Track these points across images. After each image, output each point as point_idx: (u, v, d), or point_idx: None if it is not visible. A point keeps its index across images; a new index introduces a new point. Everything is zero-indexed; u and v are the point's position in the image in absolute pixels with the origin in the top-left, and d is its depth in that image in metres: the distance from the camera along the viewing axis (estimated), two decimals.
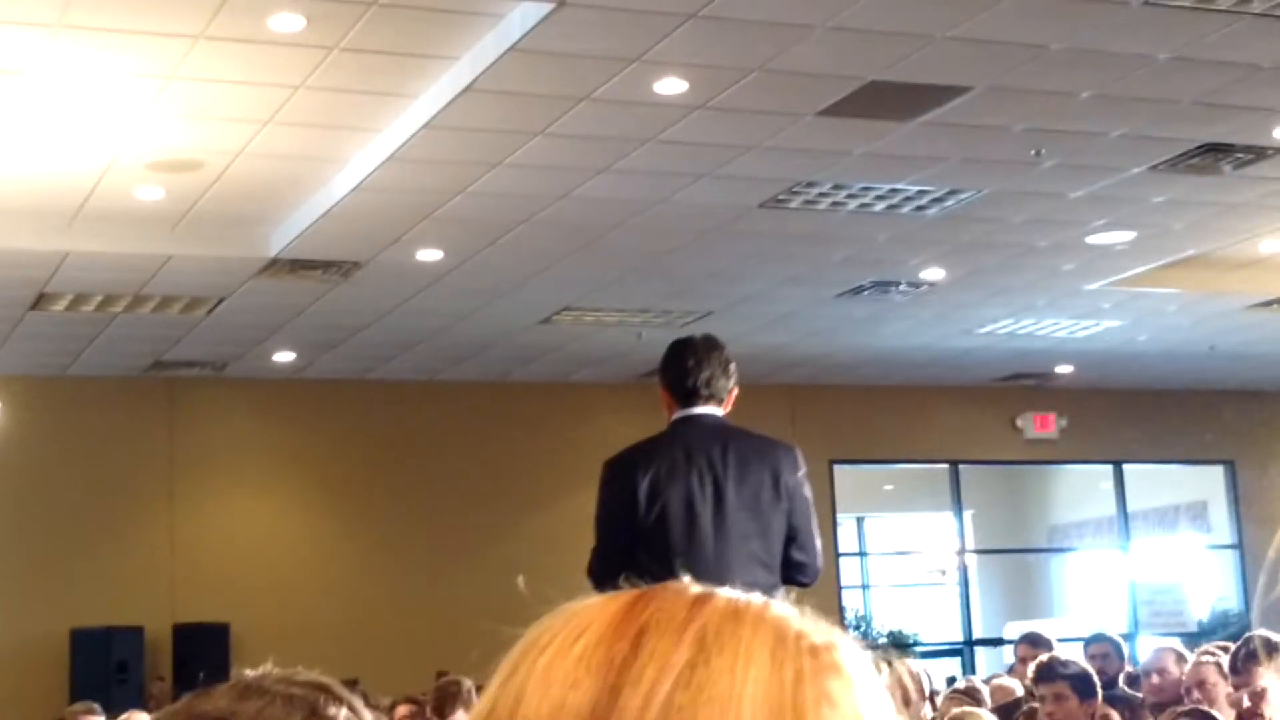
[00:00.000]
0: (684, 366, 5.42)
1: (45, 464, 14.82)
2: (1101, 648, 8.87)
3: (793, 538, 5.35)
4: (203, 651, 14.53)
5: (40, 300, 12.38)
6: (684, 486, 5.29)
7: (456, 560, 15.13)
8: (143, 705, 12.84)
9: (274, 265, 11.68)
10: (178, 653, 14.66)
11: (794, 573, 5.37)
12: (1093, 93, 9.00)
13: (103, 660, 14.38)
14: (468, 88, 8.42)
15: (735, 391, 5.50)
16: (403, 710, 9.79)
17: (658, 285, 12.89)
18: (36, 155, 9.50)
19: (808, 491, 5.43)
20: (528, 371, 15.72)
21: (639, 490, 5.28)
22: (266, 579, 15.34)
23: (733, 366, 5.50)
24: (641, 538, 5.29)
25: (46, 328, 13.22)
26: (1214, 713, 6.66)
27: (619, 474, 5.39)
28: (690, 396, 5.41)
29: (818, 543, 5.44)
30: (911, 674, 8.99)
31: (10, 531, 14.71)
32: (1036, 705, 7.26)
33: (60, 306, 12.59)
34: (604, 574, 5.24)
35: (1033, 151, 9.93)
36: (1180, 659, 8.76)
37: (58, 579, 14.71)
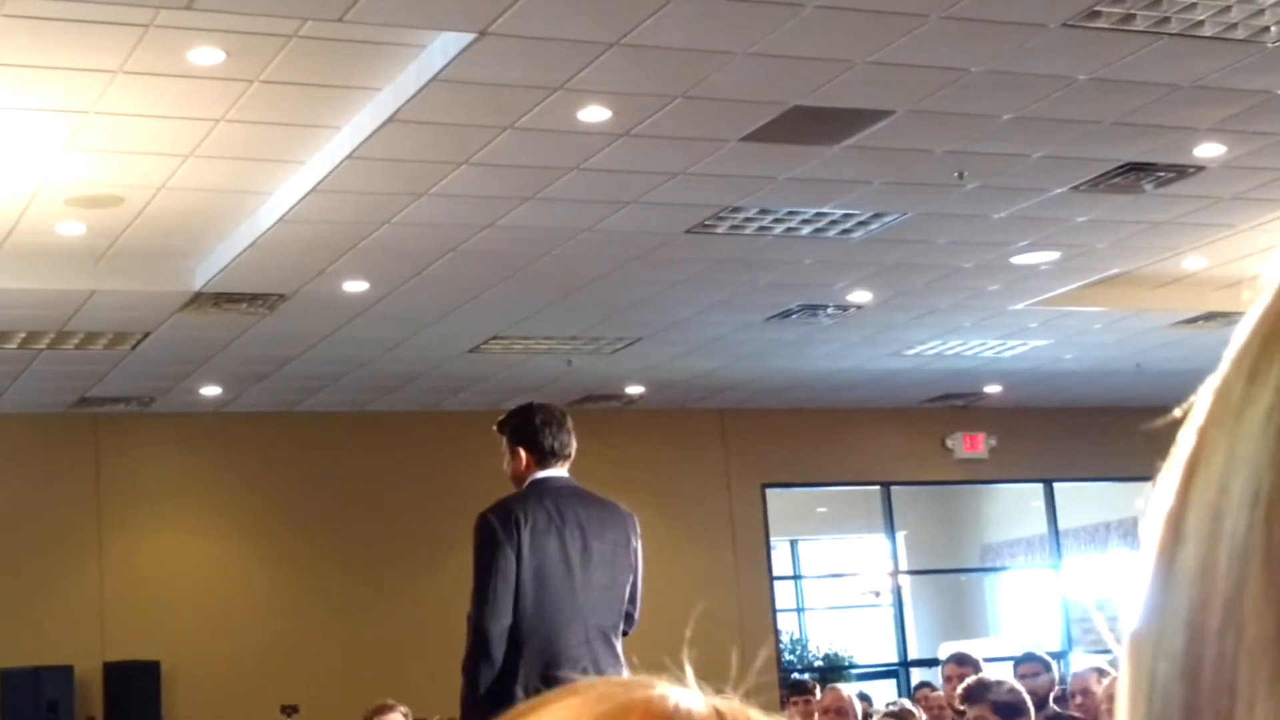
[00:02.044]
0: (542, 428, 5.83)
1: None
2: (1032, 667, 8.90)
3: (631, 596, 5.87)
4: (134, 690, 14.40)
5: None
6: (559, 542, 5.68)
7: (389, 592, 15.05)
8: None
9: (199, 299, 11.59)
10: (109, 691, 14.50)
11: (625, 624, 5.89)
12: (1014, 114, 9.05)
13: (32, 700, 14.20)
14: (390, 118, 8.40)
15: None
16: None
17: (586, 312, 12.88)
18: None
19: (640, 556, 5.94)
20: (458, 401, 15.67)
21: (522, 542, 5.63)
22: (197, 615, 15.20)
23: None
24: (516, 591, 5.62)
25: None
26: None
27: (502, 528, 5.66)
28: (549, 457, 5.82)
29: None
30: (849, 697, 9.05)
31: None
32: None
33: None
34: (494, 629, 5.54)
35: (955, 174, 9.98)
36: (1104, 677, 8.82)
37: None
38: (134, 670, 14.72)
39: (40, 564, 14.89)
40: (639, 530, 5.98)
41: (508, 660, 5.62)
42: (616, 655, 5.74)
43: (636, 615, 5.95)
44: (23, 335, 12.32)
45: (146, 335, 12.53)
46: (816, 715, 9.59)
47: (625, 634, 5.89)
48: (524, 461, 5.85)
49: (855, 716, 8.99)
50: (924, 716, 9.29)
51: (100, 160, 9.06)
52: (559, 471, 5.85)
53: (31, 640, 14.48)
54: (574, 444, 5.91)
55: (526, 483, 5.84)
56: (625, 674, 5.58)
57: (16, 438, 14.93)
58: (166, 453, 15.59)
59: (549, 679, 5.42)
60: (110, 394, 14.57)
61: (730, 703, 0.97)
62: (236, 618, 15.30)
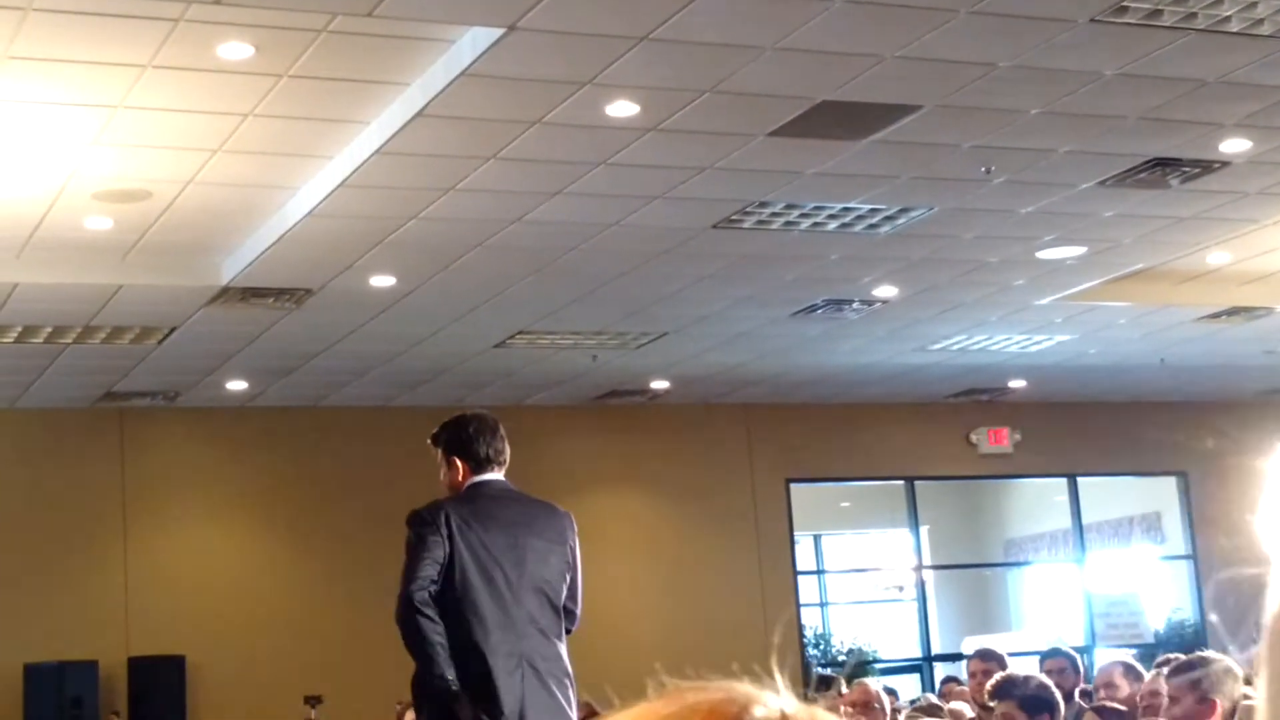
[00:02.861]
0: (476, 437, 6.04)
1: None
2: (1058, 662, 8.88)
3: (570, 593, 6.08)
4: (159, 685, 14.44)
5: None
6: (487, 538, 5.90)
7: None
8: None
9: (225, 294, 11.62)
10: (133, 686, 14.54)
11: (567, 621, 6.09)
12: (1041, 109, 9.04)
13: (56, 696, 14.23)
14: (419, 113, 8.41)
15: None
16: None
17: (612, 307, 12.89)
18: None
19: (578, 552, 6.14)
20: (483, 396, 15.68)
21: (451, 533, 5.87)
22: (222, 610, 15.23)
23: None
24: (448, 586, 5.85)
25: None
26: None
27: (430, 519, 5.90)
28: (483, 463, 6.03)
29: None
30: (877, 691, 9.06)
31: None
32: None
33: (9, 338, 12.49)
34: (411, 598, 5.81)
35: (982, 169, 9.97)
36: (1128, 672, 8.79)
37: (10, 614, 14.56)
38: (158, 664, 14.75)
39: (65, 559, 14.93)
40: (576, 529, 6.18)
41: (470, 641, 5.84)
42: (555, 650, 5.98)
43: (578, 612, 6.15)
44: (49, 330, 12.35)
45: (173, 330, 12.56)
46: (843, 709, 9.59)
47: (569, 631, 6.11)
48: (460, 471, 6.07)
49: (884, 711, 8.98)
50: (969, 711, 9.27)
51: (129, 155, 9.08)
52: (494, 475, 6.06)
53: (56, 635, 14.52)
54: (508, 451, 6.12)
55: (464, 489, 6.08)
56: (563, 664, 5.96)
57: (43, 432, 14.98)
58: (192, 447, 15.63)
59: (479, 674, 5.79)
60: (136, 388, 14.60)
61: (810, 708, 1.02)
62: (261, 611, 15.34)
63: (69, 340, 12.68)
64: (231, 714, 14.02)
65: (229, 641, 15.08)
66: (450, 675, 5.84)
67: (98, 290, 11.37)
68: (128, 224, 10.28)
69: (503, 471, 6.10)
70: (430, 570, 5.88)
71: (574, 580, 6.12)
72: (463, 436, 6.09)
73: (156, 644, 14.84)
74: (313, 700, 13.08)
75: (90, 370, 13.77)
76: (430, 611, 5.85)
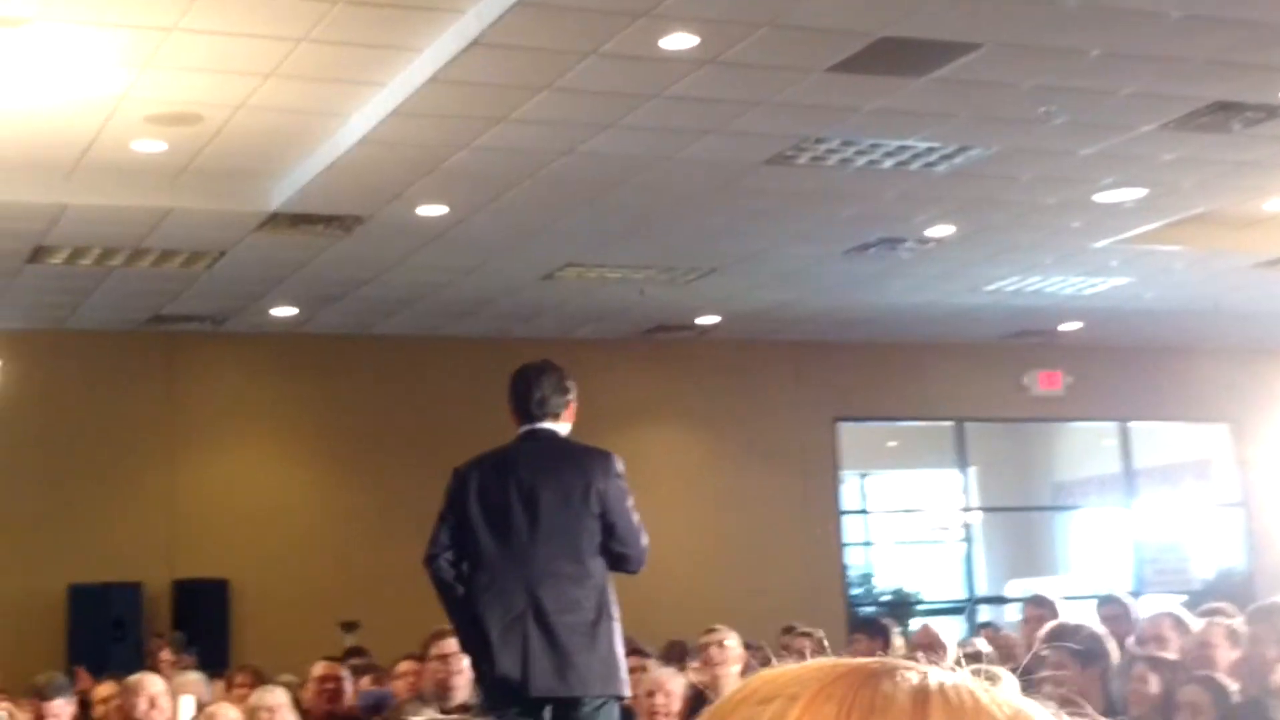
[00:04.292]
0: (520, 391, 6.42)
1: (44, 418, 14.73)
2: (1113, 609, 8.81)
3: (610, 534, 6.26)
4: (202, 608, 14.50)
5: (38, 253, 12.27)
6: (503, 493, 6.26)
7: None
8: (141, 663, 12.80)
9: (275, 219, 11.57)
10: (177, 610, 14.60)
11: (616, 563, 6.31)
12: (1103, 50, 8.88)
13: (101, 617, 14.31)
14: (474, 41, 8.30)
15: (573, 404, 6.48)
16: (404, 667, 9.73)
17: (662, 242, 12.80)
18: (36, 107, 9.38)
19: (619, 492, 6.32)
20: (530, 328, 15.63)
21: (469, 493, 6.29)
22: (265, 534, 15.28)
23: (570, 385, 6.48)
24: (469, 534, 6.27)
25: (44, 281, 13.11)
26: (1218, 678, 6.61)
27: (455, 481, 6.41)
28: (527, 415, 6.40)
29: (642, 537, 6.34)
30: (937, 632, 9.07)
31: (8, 486, 14.62)
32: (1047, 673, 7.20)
33: (58, 259, 12.48)
34: (433, 558, 6.32)
35: (1042, 109, 9.82)
36: (1177, 624, 8.69)
37: (56, 535, 14.63)
38: (202, 588, 14.82)
39: (111, 481, 14.98)
40: (614, 468, 6.35)
41: (478, 601, 6.22)
42: (575, 596, 6.19)
43: (630, 552, 6.30)
44: (98, 252, 12.33)
45: (222, 254, 12.52)
46: (904, 649, 9.57)
47: (630, 572, 6.35)
48: (515, 420, 6.45)
49: (946, 651, 8.94)
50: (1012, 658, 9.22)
51: (181, 78, 9.01)
52: (538, 425, 6.38)
53: (101, 557, 14.58)
54: (561, 398, 6.40)
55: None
56: (586, 609, 6.10)
57: (90, 354, 15.00)
58: (239, 372, 15.64)
59: (482, 635, 6.18)
60: (184, 312, 14.60)
61: (981, 688, 1.02)
62: (303, 537, 15.37)
63: (118, 263, 12.66)
64: (273, 638, 14.05)
65: (271, 567, 15.12)
66: (463, 633, 6.34)
67: (147, 213, 11.34)
68: (179, 147, 10.23)
69: (555, 420, 6.39)
70: (444, 534, 6.32)
71: (613, 522, 6.25)
72: (511, 392, 6.44)
73: (200, 568, 14.90)
74: (349, 625, 13.12)
75: (138, 293, 13.76)
76: (445, 575, 6.29)
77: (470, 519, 6.27)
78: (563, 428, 6.44)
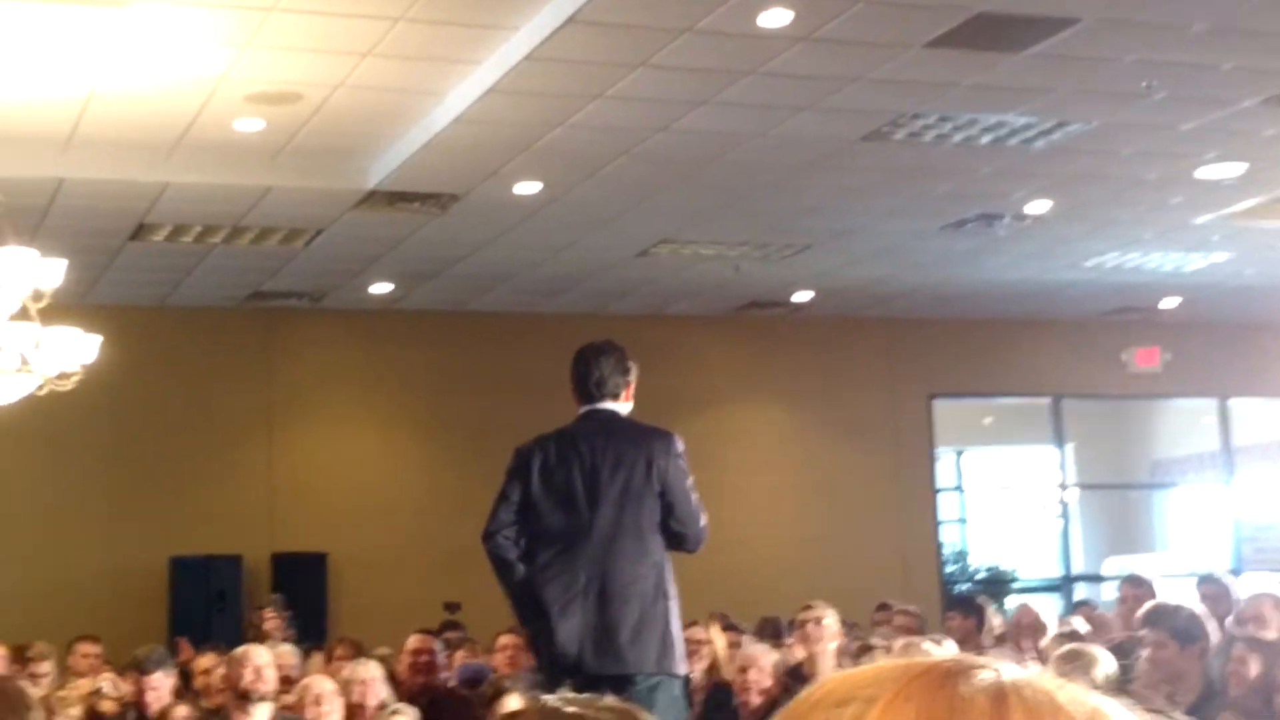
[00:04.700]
0: (580, 371, 6.47)
1: (145, 394, 14.92)
2: (1213, 588, 8.73)
3: (669, 514, 6.29)
4: (301, 580, 14.64)
5: (140, 231, 12.42)
6: (565, 471, 6.31)
7: None
8: (241, 634, 12.96)
9: (372, 197, 11.65)
10: (276, 582, 14.76)
11: (675, 542, 6.36)
12: (1206, 24, 8.76)
13: (202, 589, 14.51)
14: (570, 19, 8.31)
15: (633, 385, 6.52)
16: (505, 640, 9.80)
17: (757, 218, 12.77)
18: (139, 87, 9.49)
19: (679, 472, 6.34)
20: (624, 305, 15.66)
21: (531, 472, 6.34)
22: (363, 508, 15.41)
23: (630, 365, 6.51)
24: (531, 512, 6.33)
25: (146, 258, 13.28)
26: None
27: (517, 459, 6.45)
28: (587, 395, 6.45)
29: (701, 517, 6.37)
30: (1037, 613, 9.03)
31: (111, 461, 14.84)
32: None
33: (160, 237, 12.63)
34: (491, 535, 6.38)
35: (1143, 84, 9.70)
36: (1278, 604, 8.58)
37: (157, 508, 14.84)
38: (301, 561, 14.97)
39: (212, 455, 15.16)
40: (674, 448, 6.38)
41: (538, 578, 6.29)
42: (637, 573, 6.23)
43: (689, 532, 6.35)
44: (199, 229, 12.47)
45: (320, 232, 12.62)
46: (1002, 629, 9.55)
47: (688, 551, 6.40)
48: (576, 400, 6.49)
49: (1047, 632, 8.91)
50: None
51: (281, 57, 9.08)
52: (598, 405, 6.42)
53: (202, 530, 14.77)
54: (621, 378, 6.45)
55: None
56: (646, 586, 6.16)
57: (191, 330, 15.17)
58: (337, 348, 15.77)
59: (542, 612, 6.24)
60: (283, 289, 14.74)
61: (1029, 674, 1.01)
62: (402, 512, 15.49)
63: (218, 240, 12.79)
64: (370, 612, 14.18)
65: (371, 541, 15.25)
66: (520, 609, 6.43)
67: (247, 191, 11.45)
68: (278, 126, 10.32)
69: (615, 400, 6.45)
70: (505, 513, 6.38)
71: (672, 501, 6.30)
72: (571, 373, 6.50)
73: (299, 541, 15.06)
74: (452, 606, 13.18)
75: (238, 270, 13.90)
76: (503, 551, 6.34)
77: (532, 497, 6.34)
78: (623, 407, 6.48)
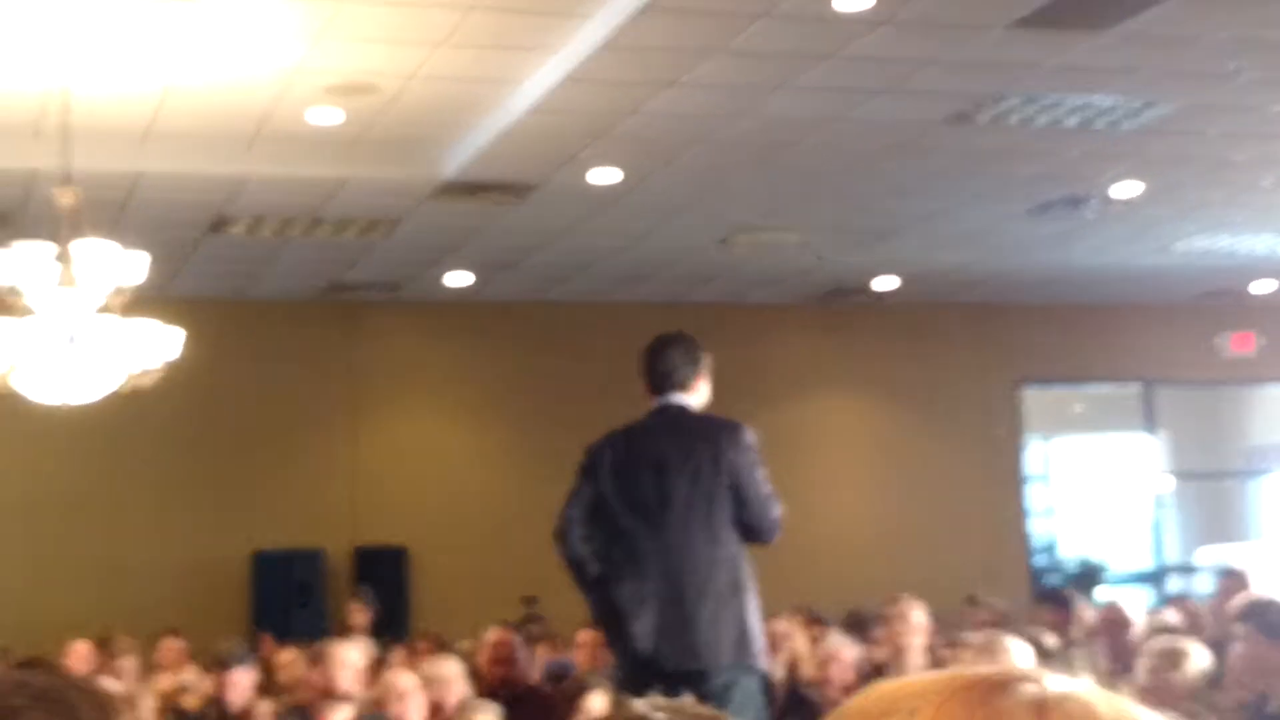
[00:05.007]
0: (649, 364, 6.41)
1: (226, 386, 14.94)
2: None
3: (741, 505, 6.20)
4: (382, 574, 14.62)
5: (219, 223, 12.43)
6: (634, 469, 6.26)
7: None
8: (325, 628, 12.95)
9: (449, 187, 11.59)
10: (358, 576, 14.75)
11: (748, 535, 6.26)
12: None
13: (284, 583, 14.52)
14: (646, 5, 8.19)
15: (704, 376, 6.42)
16: (584, 637, 9.73)
17: (838, 204, 12.62)
18: (215, 80, 9.48)
19: (749, 463, 6.25)
20: (704, 293, 15.54)
21: (601, 469, 6.31)
22: (444, 501, 15.38)
23: (700, 354, 6.44)
24: (602, 510, 6.29)
25: (225, 250, 13.29)
26: None
27: (587, 457, 6.43)
28: (656, 388, 6.38)
29: (774, 507, 6.28)
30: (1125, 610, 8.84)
31: (193, 454, 14.87)
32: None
33: (238, 229, 12.64)
34: (563, 534, 6.34)
35: (1230, 66, 9.48)
36: None
37: (240, 501, 14.86)
38: (382, 555, 14.96)
39: (293, 448, 15.17)
40: (743, 438, 6.28)
41: (611, 576, 6.26)
42: (710, 567, 6.16)
43: (759, 523, 6.25)
44: (277, 222, 12.45)
45: (397, 223, 12.58)
46: (1084, 625, 9.37)
47: (763, 543, 6.30)
48: (648, 394, 6.43)
49: (1132, 628, 8.72)
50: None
51: (355, 48, 9.03)
52: (668, 399, 6.35)
53: (285, 523, 14.79)
54: (691, 369, 6.37)
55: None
56: (721, 577, 6.10)
57: (271, 323, 15.18)
58: (417, 339, 15.74)
59: (615, 608, 6.22)
60: (361, 280, 14.72)
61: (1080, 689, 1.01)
62: (482, 505, 15.44)
63: (296, 232, 12.78)
64: (451, 606, 14.13)
65: (451, 534, 15.22)
66: (596, 607, 6.40)
67: (324, 183, 11.42)
68: (354, 117, 10.28)
69: (684, 392, 6.37)
70: (575, 510, 6.34)
71: (744, 494, 6.21)
72: (642, 364, 6.45)
73: (380, 534, 15.04)
74: (530, 600, 13.12)
75: (316, 262, 13.89)
76: (576, 550, 6.30)
77: (603, 494, 6.31)
78: (694, 399, 6.41)
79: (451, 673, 8.00)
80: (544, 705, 8.05)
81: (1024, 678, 1.02)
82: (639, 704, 1.80)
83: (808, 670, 8.32)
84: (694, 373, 6.39)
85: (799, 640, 8.79)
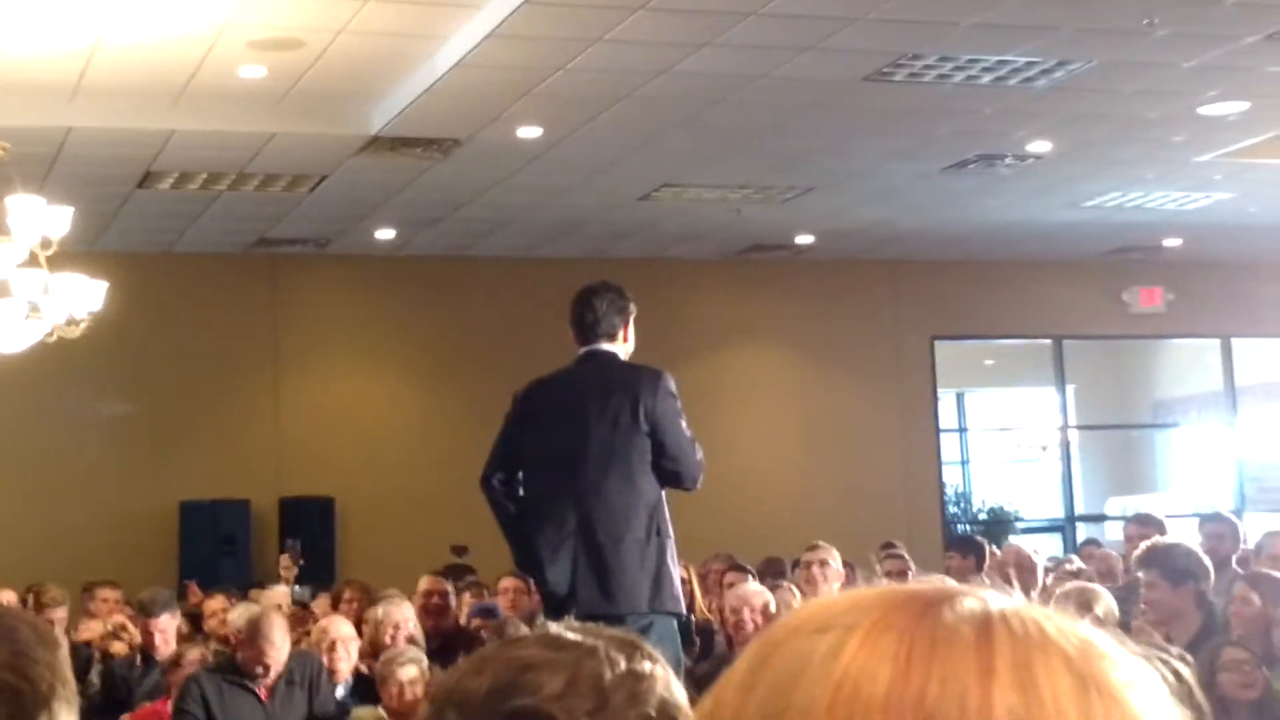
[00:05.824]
0: (576, 312, 6.45)
1: (153, 340, 14.99)
2: (1217, 527, 8.78)
3: (660, 452, 6.27)
4: (308, 525, 14.72)
5: (146, 178, 12.47)
6: (554, 414, 6.35)
7: None
8: (250, 577, 13.10)
9: (375, 143, 11.67)
10: (284, 526, 14.86)
11: (670, 480, 6.34)
12: None
13: (211, 533, 14.63)
14: None
15: (629, 326, 6.47)
16: (506, 583, 9.88)
17: (758, 161, 12.78)
18: (143, 37, 9.51)
19: (670, 410, 6.33)
20: (625, 248, 15.69)
21: (524, 415, 6.46)
22: (369, 453, 15.49)
23: (628, 304, 6.48)
24: (523, 454, 6.44)
25: (152, 205, 13.33)
26: None
27: (513, 404, 6.57)
28: (583, 337, 6.43)
29: (694, 453, 6.37)
30: (1029, 553, 9.04)
31: (120, 405, 14.93)
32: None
33: (166, 185, 12.68)
34: (487, 479, 6.47)
35: (1145, 21, 9.70)
36: None
37: (167, 453, 14.94)
38: (308, 506, 15.06)
39: (219, 400, 15.25)
40: (663, 387, 6.35)
41: (529, 520, 6.37)
42: (623, 513, 6.24)
43: (684, 469, 6.34)
44: (204, 176, 12.51)
45: (324, 178, 12.66)
46: (992, 569, 9.60)
47: (685, 489, 6.40)
48: (575, 342, 6.48)
49: (1037, 571, 8.96)
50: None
51: (282, 4, 9.09)
52: (594, 346, 6.39)
53: (211, 475, 14.87)
54: (616, 318, 6.41)
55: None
56: (633, 524, 6.20)
57: (197, 277, 15.23)
58: (342, 294, 15.83)
59: (533, 550, 6.32)
60: (288, 235, 14.78)
61: (1054, 615, 0.96)
62: (407, 457, 15.57)
63: (223, 187, 12.83)
64: (378, 557, 14.26)
65: (377, 485, 15.34)
66: (516, 551, 6.47)
67: (251, 138, 11.48)
68: (281, 73, 10.34)
69: (611, 341, 6.41)
70: (500, 457, 6.48)
71: (663, 439, 6.28)
72: (570, 313, 6.50)
73: (306, 486, 15.14)
74: (459, 550, 13.26)
75: (243, 217, 13.95)
76: (497, 495, 6.42)
77: (525, 440, 6.40)
78: (622, 349, 6.46)
79: (406, 615, 8.22)
80: (472, 644, 8.23)
81: (967, 593, 0.96)
82: (553, 625, 1.93)
83: (704, 613, 8.55)
84: (621, 321, 6.44)
85: (693, 583, 9.04)
